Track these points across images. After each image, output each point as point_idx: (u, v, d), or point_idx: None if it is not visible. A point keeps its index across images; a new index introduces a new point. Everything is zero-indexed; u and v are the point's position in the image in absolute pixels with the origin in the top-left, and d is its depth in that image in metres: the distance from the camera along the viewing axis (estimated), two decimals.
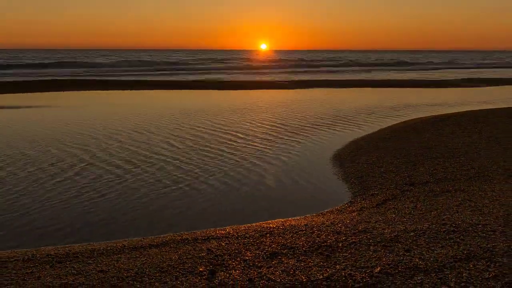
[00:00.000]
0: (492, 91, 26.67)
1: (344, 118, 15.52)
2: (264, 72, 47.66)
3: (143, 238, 5.48)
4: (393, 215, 5.93)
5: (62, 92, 24.42)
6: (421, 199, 6.66)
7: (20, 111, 17.12)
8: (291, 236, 5.19)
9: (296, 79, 36.03)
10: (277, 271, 4.18)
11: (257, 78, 37.89)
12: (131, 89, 25.98)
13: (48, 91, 24.66)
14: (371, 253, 4.54)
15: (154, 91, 25.51)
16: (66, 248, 5.11)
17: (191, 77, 37.69)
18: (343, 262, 4.34)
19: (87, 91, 24.73)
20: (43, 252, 4.93)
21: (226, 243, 5.02)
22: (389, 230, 5.22)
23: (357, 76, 41.30)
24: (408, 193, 7.07)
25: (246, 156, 10.00)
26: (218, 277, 4.09)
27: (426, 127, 12.73)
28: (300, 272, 4.14)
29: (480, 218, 5.52)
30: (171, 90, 26.13)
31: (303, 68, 55.08)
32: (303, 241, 4.98)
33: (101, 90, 25.55)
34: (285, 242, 4.96)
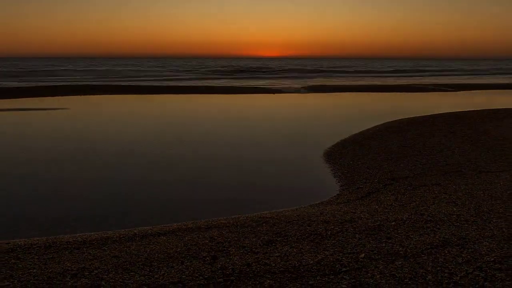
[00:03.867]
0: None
1: (331, 119, 15.54)
2: None
3: (152, 227, 5.48)
4: (376, 206, 5.95)
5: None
6: (401, 192, 6.68)
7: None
8: (285, 225, 5.20)
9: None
10: (273, 256, 4.19)
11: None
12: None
13: None
14: (356, 240, 4.56)
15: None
16: (83, 236, 5.11)
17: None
18: (332, 248, 4.36)
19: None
20: (62, 240, 4.92)
21: (227, 232, 5.03)
22: (373, 220, 5.24)
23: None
24: (389, 186, 7.09)
25: (245, 153, 10.01)
26: (219, 262, 4.10)
27: (406, 128, 12.75)
28: (293, 257, 4.15)
29: (454, 209, 5.55)
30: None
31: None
32: (295, 229, 4.99)
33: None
34: (279, 231, 4.97)
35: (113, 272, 3.92)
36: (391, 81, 42.32)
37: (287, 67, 68.72)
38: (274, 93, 26.68)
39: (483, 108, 17.61)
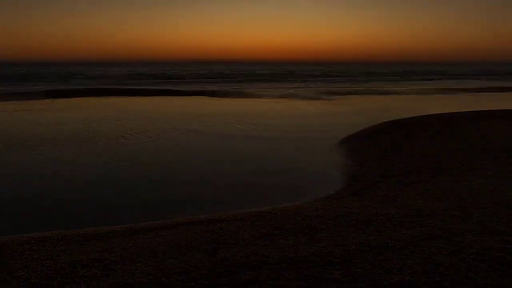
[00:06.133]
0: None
1: (326, 121, 15.56)
2: None
3: (157, 222, 5.50)
4: (367, 202, 5.97)
5: None
6: (391, 188, 6.71)
7: None
8: (282, 219, 5.22)
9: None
10: (270, 248, 4.22)
11: None
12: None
13: None
14: (348, 233, 4.58)
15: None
16: (93, 230, 5.13)
17: None
18: (325, 241, 4.38)
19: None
20: (73, 233, 4.95)
21: (227, 225, 5.05)
22: (364, 214, 5.26)
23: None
24: (380, 184, 7.12)
25: (245, 151, 10.03)
26: (220, 253, 4.13)
27: (397, 128, 12.76)
28: (289, 249, 4.18)
29: (440, 204, 5.58)
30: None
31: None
32: (291, 223, 5.02)
33: None
34: (276, 225, 5.00)
35: (121, 263, 3.95)
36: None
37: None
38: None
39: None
